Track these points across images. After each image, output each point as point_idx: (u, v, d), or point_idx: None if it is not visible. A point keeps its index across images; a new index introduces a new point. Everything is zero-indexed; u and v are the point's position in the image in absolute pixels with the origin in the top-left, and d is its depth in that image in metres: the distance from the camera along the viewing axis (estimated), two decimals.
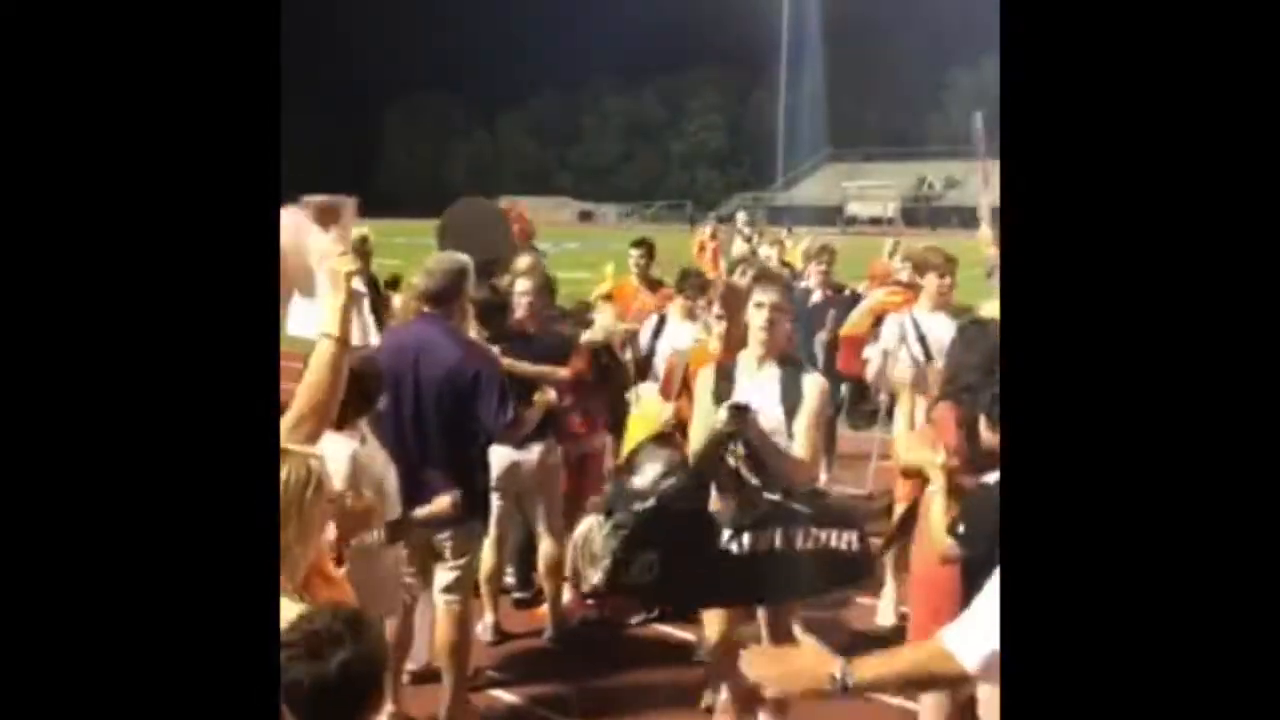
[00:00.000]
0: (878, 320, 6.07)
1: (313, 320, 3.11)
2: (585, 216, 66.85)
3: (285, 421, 2.61)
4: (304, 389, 2.65)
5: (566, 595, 5.31)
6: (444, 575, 4.23)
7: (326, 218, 3.14)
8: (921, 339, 5.42)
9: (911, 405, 4.32)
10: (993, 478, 3.09)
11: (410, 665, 4.53)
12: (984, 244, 5.67)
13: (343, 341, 2.69)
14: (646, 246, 7.32)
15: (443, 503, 3.11)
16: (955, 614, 2.08)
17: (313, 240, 3.07)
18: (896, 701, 4.03)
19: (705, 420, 3.75)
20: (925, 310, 5.52)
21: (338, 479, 3.10)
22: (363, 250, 7.42)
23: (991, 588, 1.99)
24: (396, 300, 6.32)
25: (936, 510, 3.36)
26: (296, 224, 3.16)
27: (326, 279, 2.80)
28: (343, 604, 2.12)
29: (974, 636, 1.95)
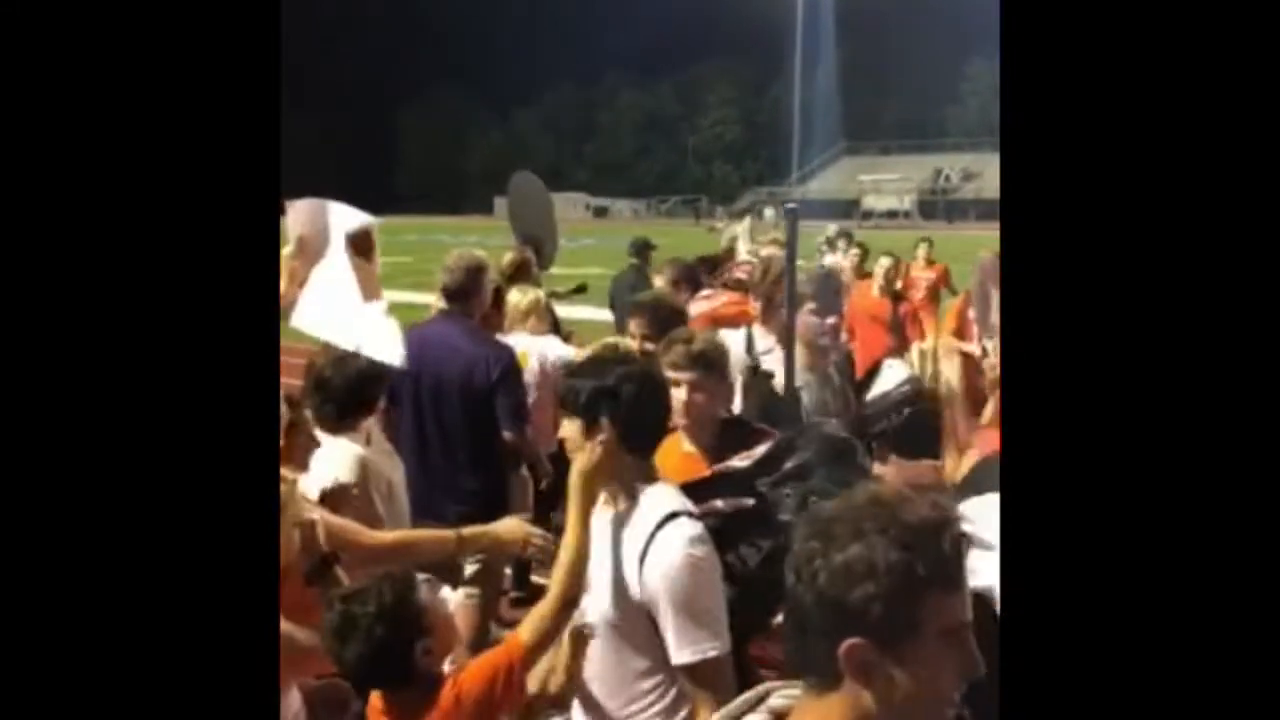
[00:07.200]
0: None
1: (321, 318, 3.05)
2: (600, 212, 67.08)
3: None
4: None
5: None
6: (464, 569, 4.15)
7: (364, 244, 3.05)
8: None
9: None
10: (993, 497, 3.02)
11: None
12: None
13: None
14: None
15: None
16: None
17: (340, 248, 3.00)
18: None
19: None
20: None
21: (348, 481, 3.06)
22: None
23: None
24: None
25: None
26: (313, 215, 3.10)
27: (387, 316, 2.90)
28: (354, 587, 2.11)
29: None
